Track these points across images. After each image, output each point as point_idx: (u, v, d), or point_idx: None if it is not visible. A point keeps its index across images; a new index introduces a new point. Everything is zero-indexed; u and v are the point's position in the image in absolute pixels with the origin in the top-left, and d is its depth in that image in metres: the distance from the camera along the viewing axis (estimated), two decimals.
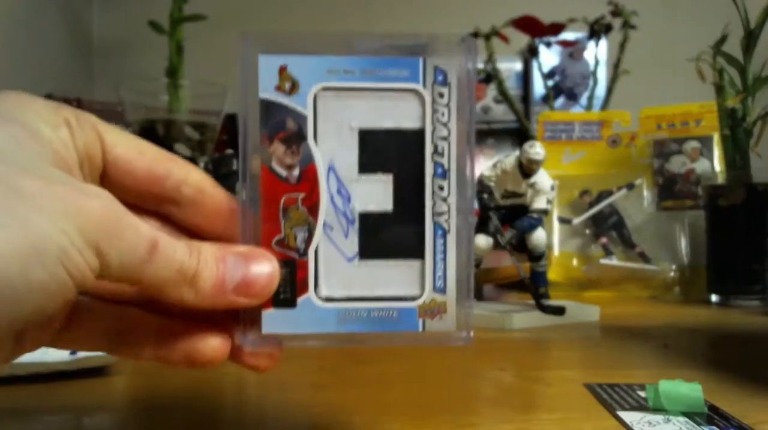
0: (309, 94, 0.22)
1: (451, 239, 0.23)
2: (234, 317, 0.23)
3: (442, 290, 0.23)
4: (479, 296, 0.77)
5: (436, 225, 0.23)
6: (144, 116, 0.90)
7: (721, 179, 0.81)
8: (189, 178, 0.23)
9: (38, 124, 0.20)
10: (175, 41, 0.93)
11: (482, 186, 0.64)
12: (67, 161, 0.20)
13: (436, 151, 0.23)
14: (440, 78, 0.22)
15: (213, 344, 0.23)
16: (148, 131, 0.89)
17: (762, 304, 0.76)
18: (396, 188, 0.23)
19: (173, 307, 0.23)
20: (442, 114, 0.22)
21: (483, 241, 0.62)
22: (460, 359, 0.46)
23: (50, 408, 0.32)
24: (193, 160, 0.89)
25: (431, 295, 0.23)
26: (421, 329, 0.23)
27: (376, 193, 0.23)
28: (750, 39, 0.77)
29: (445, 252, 0.23)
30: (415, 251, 0.23)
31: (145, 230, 0.20)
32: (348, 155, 0.22)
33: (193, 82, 0.91)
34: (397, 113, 0.23)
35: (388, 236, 0.23)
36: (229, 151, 0.91)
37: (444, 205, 0.23)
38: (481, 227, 0.63)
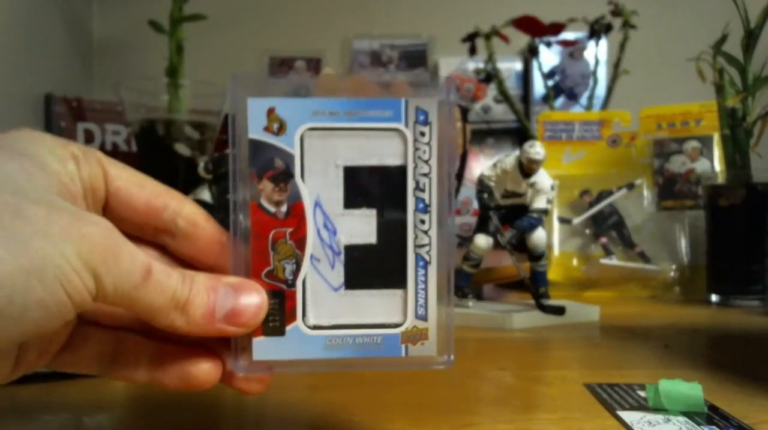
0: (296, 134, 0.23)
1: (432, 269, 0.24)
2: (226, 343, 0.24)
3: (424, 318, 0.24)
4: (479, 295, 0.77)
5: (418, 256, 0.24)
6: (144, 116, 0.90)
7: (721, 179, 0.81)
8: (183, 211, 0.24)
9: (47, 157, 0.21)
10: (175, 41, 0.93)
11: (482, 186, 0.64)
12: (73, 192, 0.22)
13: (417, 187, 0.24)
14: (422, 118, 0.23)
15: (205, 369, 0.24)
16: (148, 131, 0.89)
17: (762, 304, 0.76)
18: (379, 222, 0.24)
19: (167, 333, 0.24)
20: (424, 152, 0.24)
21: (483, 241, 0.63)
22: (460, 359, 0.46)
23: (50, 408, 0.32)
24: (193, 159, 0.89)
25: (413, 322, 0.24)
26: (404, 354, 0.24)
27: (361, 227, 0.24)
28: (750, 39, 0.77)
29: (426, 282, 0.24)
30: (398, 281, 0.24)
31: (140, 257, 0.21)
32: (334, 191, 0.24)
33: (193, 82, 0.92)
34: (380, 151, 0.24)
35: (373, 267, 0.24)
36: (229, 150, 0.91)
37: (425, 238, 0.24)
38: (481, 226, 0.63)
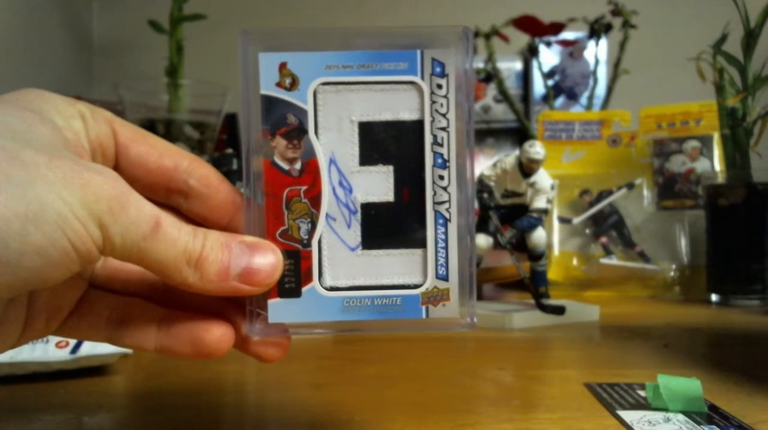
0: (309, 89, 0.23)
1: (453, 227, 0.23)
2: (239, 310, 0.24)
3: (445, 278, 0.23)
4: (479, 295, 0.77)
5: (437, 214, 0.23)
6: (144, 116, 0.90)
7: (721, 179, 0.81)
8: (196, 171, 0.24)
9: (52, 113, 0.21)
10: (175, 41, 0.93)
11: (482, 185, 0.64)
12: (78, 149, 0.21)
13: (435, 141, 0.23)
14: (438, 70, 0.23)
15: (217, 334, 0.23)
16: (148, 131, 0.89)
17: (762, 304, 0.76)
18: (397, 179, 0.23)
19: (178, 299, 0.23)
20: (441, 105, 0.23)
21: (483, 240, 0.62)
22: (459, 358, 0.46)
23: (50, 408, 0.32)
24: None
25: (434, 282, 0.23)
26: (424, 315, 0.23)
27: (378, 184, 0.23)
28: (750, 38, 0.77)
29: (446, 240, 0.23)
30: (417, 240, 0.23)
31: (149, 208, 0.20)
32: (349, 148, 0.23)
33: (193, 82, 0.92)
34: (395, 105, 0.23)
35: (390, 226, 0.23)
36: (229, 150, 0.91)
37: (444, 194, 0.23)
38: (481, 226, 0.63)
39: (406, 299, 0.23)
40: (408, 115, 0.23)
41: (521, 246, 0.63)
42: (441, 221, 0.23)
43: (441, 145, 0.23)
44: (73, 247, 0.18)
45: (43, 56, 1.08)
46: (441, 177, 0.23)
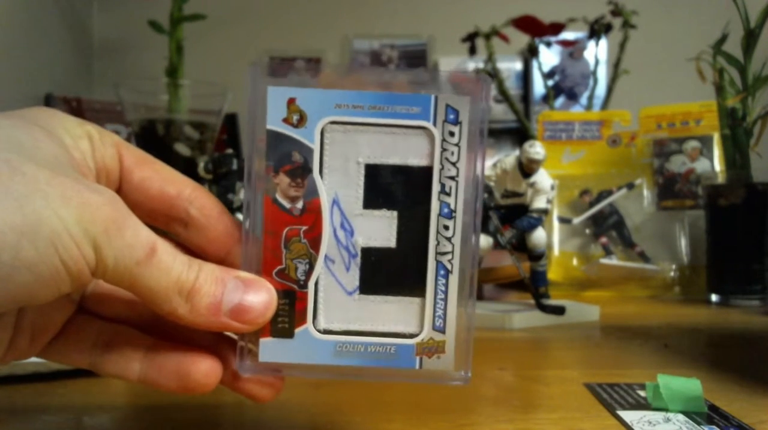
0: (316, 127, 0.22)
1: (453, 279, 0.23)
2: (230, 345, 0.23)
3: (442, 329, 0.23)
4: (479, 295, 0.77)
5: (439, 264, 0.23)
6: (144, 116, 0.90)
7: (721, 179, 0.81)
8: (197, 201, 0.23)
9: (61, 132, 0.21)
10: (175, 41, 0.93)
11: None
12: (84, 170, 0.21)
13: (443, 190, 0.22)
14: (452, 116, 0.22)
15: (204, 367, 0.22)
16: (148, 131, 0.89)
17: (762, 304, 0.76)
18: (400, 225, 0.23)
19: (168, 328, 0.23)
20: (452, 153, 0.22)
21: (483, 241, 0.62)
22: None
23: (50, 408, 0.32)
24: (192, 159, 0.89)
25: (430, 333, 0.23)
26: (418, 366, 0.23)
27: (380, 229, 0.23)
28: (750, 39, 0.77)
29: (446, 292, 0.23)
30: (416, 289, 0.23)
31: (145, 233, 0.20)
32: (353, 190, 0.22)
33: (193, 82, 0.92)
34: (404, 150, 0.22)
35: (390, 272, 0.23)
36: (229, 150, 0.91)
37: (448, 245, 0.22)
38: (481, 226, 0.63)
39: (400, 348, 0.23)
40: (417, 161, 0.22)
41: (521, 246, 0.63)
42: (442, 272, 0.22)
43: (448, 194, 0.22)
44: (64, 265, 0.18)
45: (43, 56, 1.08)
46: (446, 227, 0.22)
